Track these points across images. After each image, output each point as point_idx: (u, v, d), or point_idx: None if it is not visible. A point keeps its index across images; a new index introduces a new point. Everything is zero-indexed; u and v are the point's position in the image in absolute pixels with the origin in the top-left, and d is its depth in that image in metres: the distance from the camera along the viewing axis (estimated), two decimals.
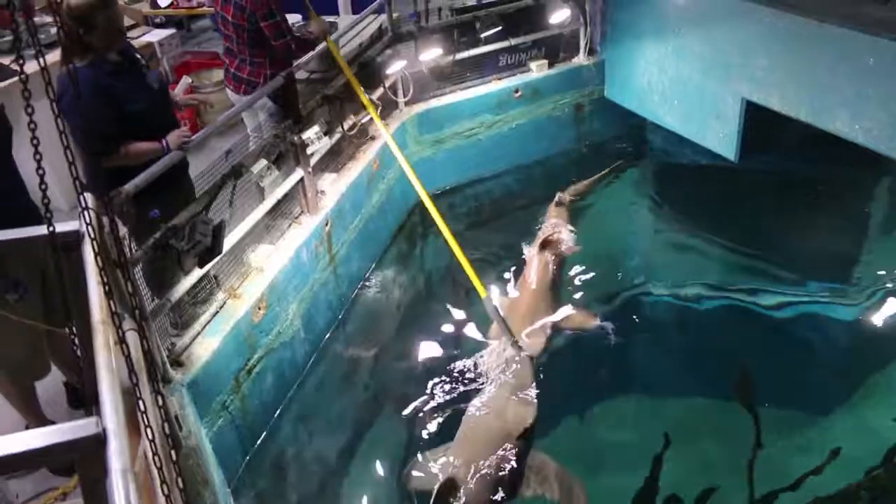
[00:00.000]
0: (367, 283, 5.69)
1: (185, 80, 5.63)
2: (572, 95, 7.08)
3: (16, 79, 5.47)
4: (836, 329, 5.11)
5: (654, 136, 7.20)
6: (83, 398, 3.57)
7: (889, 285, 5.32)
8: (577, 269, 5.61)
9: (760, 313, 5.22)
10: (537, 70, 6.89)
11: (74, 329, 2.51)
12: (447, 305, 5.39)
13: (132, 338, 2.35)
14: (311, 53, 5.26)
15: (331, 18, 6.70)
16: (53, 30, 5.76)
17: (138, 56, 3.88)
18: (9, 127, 3.36)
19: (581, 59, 7.05)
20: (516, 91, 6.78)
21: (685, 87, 6.08)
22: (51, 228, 2.19)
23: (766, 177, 6.40)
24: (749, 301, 5.32)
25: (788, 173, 6.46)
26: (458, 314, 5.29)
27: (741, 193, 6.33)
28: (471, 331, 5.12)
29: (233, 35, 5.11)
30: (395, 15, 6.29)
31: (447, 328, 5.19)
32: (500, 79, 6.81)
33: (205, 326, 4.01)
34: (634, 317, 5.26)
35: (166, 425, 2.26)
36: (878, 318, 5.10)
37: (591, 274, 5.55)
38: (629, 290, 5.51)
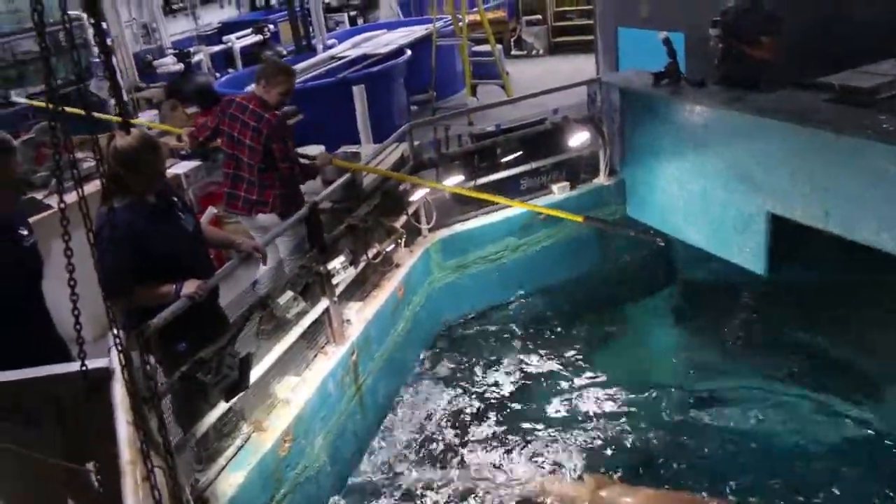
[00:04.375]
0: (395, 413, 5.65)
1: (211, 211, 5.83)
2: (595, 215, 7.18)
3: (50, 212, 5.70)
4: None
5: (680, 253, 7.25)
6: None
7: None
8: (602, 395, 5.57)
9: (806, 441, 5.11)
10: (559, 192, 7.03)
11: (97, 467, 2.52)
12: (476, 433, 5.32)
13: (159, 476, 2.35)
14: (333, 185, 5.46)
15: (353, 148, 6.93)
16: (86, 165, 6.01)
17: (175, 199, 4.00)
18: (41, 260, 3.47)
19: (602, 179, 7.20)
20: (539, 214, 6.90)
21: (708, 203, 6.17)
22: (83, 367, 2.24)
23: (799, 288, 6.37)
24: (793, 427, 5.22)
25: (822, 284, 6.42)
26: (488, 442, 5.21)
27: (773, 307, 6.29)
28: (502, 460, 5.03)
29: (244, 157, 5.33)
30: (416, 143, 6.52)
31: (477, 458, 5.10)
32: (522, 202, 6.95)
33: (229, 461, 3.98)
34: (669, 444, 5.15)
35: None
36: None
37: (621, 404, 5.49)
38: (661, 413, 5.44)
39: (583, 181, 7.23)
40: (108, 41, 9.17)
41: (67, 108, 2.29)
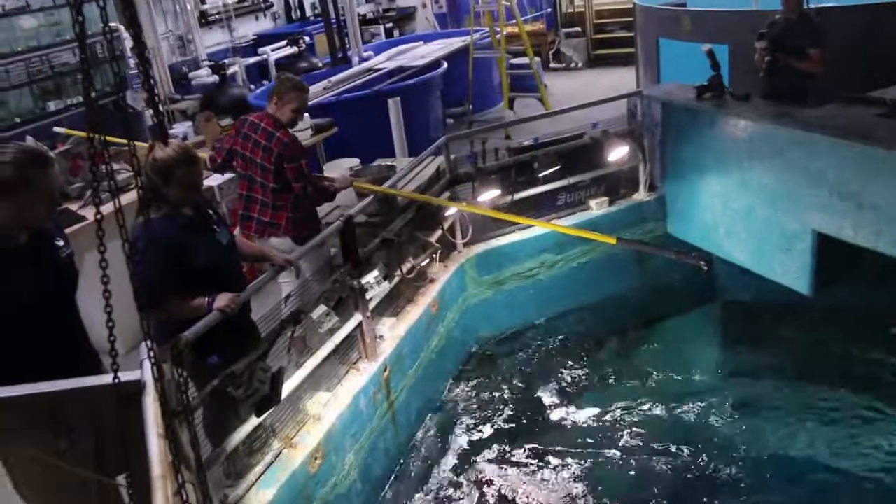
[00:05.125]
0: (426, 431, 5.64)
1: (239, 215, 5.86)
2: (634, 232, 7.12)
3: (85, 223, 5.81)
4: None
5: (721, 271, 7.16)
6: None
7: None
8: (640, 418, 5.50)
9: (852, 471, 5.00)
10: (597, 207, 7.00)
11: (129, 480, 2.54)
12: (509, 454, 5.29)
13: (190, 491, 2.36)
14: (365, 201, 5.48)
15: (388, 161, 6.98)
16: (121, 176, 6.12)
17: (210, 211, 4.04)
18: (76, 272, 3.52)
19: (641, 194, 7.16)
20: None
21: (752, 220, 6.10)
22: (116, 379, 2.26)
23: (846, 310, 6.25)
24: (840, 453, 5.12)
25: (870, 305, 6.30)
26: (521, 464, 5.18)
27: (818, 330, 6.18)
28: (535, 482, 5.00)
29: (257, 177, 5.29)
30: (452, 157, 6.53)
31: (509, 480, 5.07)
32: (559, 217, 6.93)
33: (259, 477, 4.00)
34: (708, 469, 5.08)
35: None
36: None
37: (660, 428, 5.43)
38: (700, 437, 5.36)
39: (622, 197, 7.20)
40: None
41: (109, 138, 2.32)
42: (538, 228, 6.72)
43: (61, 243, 3.43)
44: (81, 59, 1.99)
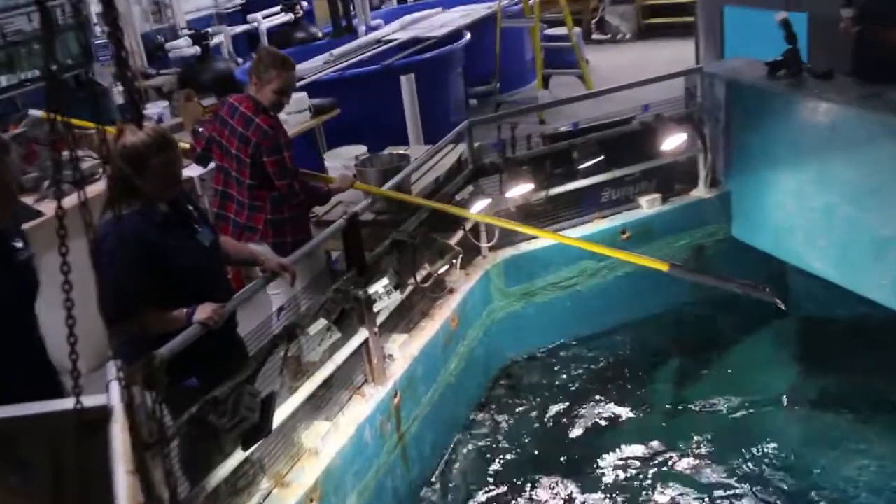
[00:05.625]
0: (444, 467, 5.64)
1: (213, 213, 5.84)
2: (691, 235, 7.11)
3: (41, 220, 5.84)
4: None
5: (797, 283, 7.11)
6: None
7: None
8: (693, 454, 5.49)
9: None
10: (648, 206, 6.98)
11: None
12: (540, 495, 5.28)
13: None
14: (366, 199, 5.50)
15: (400, 149, 6.99)
16: (86, 164, 6.13)
17: (191, 207, 4.05)
18: (36, 279, 3.51)
19: (701, 191, 7.13)
20: (623, 232, 6.86)
21: (834, 223, 6.06)
22: (78, 405, 2.26)
23: None
24: None
25: None
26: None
27: None
28: None
29: (233, 171, 5.23)
30: (476, 144, 6.53)
31: None
32: (602, 217, 6.92)
33: None
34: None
35: None
36: None
37: (716, 464, 5.41)
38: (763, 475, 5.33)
39: (677, 193, 7.18)
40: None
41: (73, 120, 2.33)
42: (579, 229, 6.72)
43: (20, 244, 3.44)
44: (43, 24, 1.99)
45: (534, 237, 6.61)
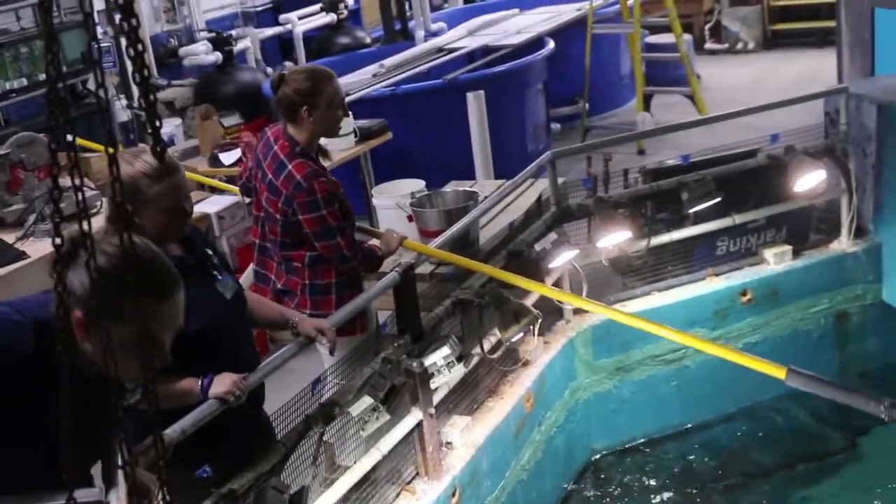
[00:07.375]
0: None
1: (252, 270, 5.86)
2: (831, 299, 7.04)
3: (25, 263, 5.94)
4: None
5: None
6: None
7: None
8: None
9: None
10: (776, 261, 6.94)
11: None
12: None
13: None
14: (440, 238, 5.50)
15: (466, 185, 7.03)
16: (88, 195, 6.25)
17: (208, 251, 4.07)
18: None
19: (844, 243, 7.08)
20: (743, 293, 6.82)
21: None
22: (70, 500, 2.30)
23: None
24: None
25: None
26: None
27: None
28: None
29: (267, 223, 5.19)
30: (560, 180, 6.53)
31: None
32: (717, 274, 6.89)
33: None
34: None
35: None
36: None
37: None
38: None
39: (814, 245, 7.13)
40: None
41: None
42: (689, 289, 6.69)
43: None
44: (44, 21, 2.01)
45: (632, 298, 6.61)
